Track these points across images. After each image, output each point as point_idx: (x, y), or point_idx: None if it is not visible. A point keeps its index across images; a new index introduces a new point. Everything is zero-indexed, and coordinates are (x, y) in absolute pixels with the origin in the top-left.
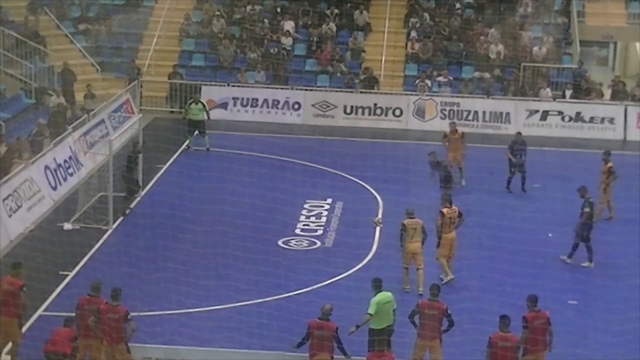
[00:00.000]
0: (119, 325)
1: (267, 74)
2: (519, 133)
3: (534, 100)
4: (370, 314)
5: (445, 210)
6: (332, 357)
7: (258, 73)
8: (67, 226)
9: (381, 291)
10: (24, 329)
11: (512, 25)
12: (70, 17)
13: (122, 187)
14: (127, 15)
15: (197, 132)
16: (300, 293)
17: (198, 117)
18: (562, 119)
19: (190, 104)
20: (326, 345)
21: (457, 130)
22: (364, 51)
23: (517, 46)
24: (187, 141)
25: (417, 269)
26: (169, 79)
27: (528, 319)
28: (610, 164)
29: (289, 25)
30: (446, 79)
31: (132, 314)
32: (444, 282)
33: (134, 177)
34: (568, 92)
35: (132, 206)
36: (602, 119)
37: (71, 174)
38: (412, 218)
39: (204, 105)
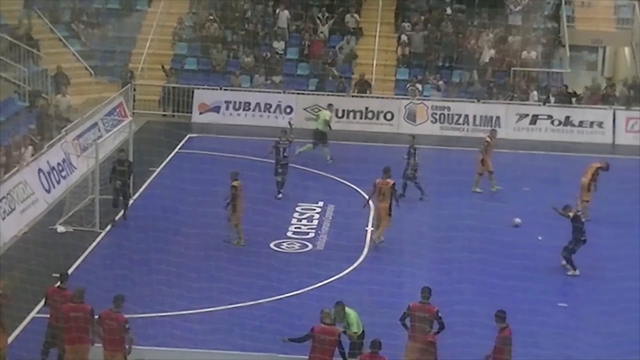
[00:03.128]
0: (117, 332)
1: (268, 78)
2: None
3: (524, 104)
4: (356, 332)
5: (378, 181)
6: None
7: (260, 77)
8: (61, 229)
9: (344, 307)
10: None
11: (502, 30)
12: (64, 21)
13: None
14: (120, 19)
15: (318, 142)
16: (292, 295)
17: (321, 126)
18: (552, 122)
19: (319, 113)
20: (328, 350)
21: (496, 136)
22: (356, 55)
23: (507, 50)
24: (304, 148)
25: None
26: (166, 76)
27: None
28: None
29: (283, 15)
30: (438, 83)
31: (125, 316)
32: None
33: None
34: (552, 97)
35: (116, 217)
36: (591, 123)
37: (64, 177)
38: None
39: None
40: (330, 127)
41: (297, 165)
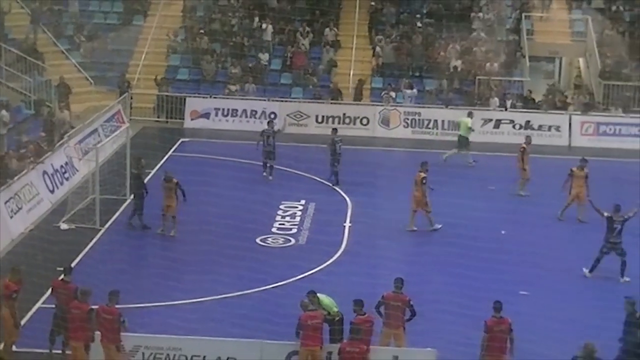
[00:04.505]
0: (112, 325)
1: (257, 87)
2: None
3: (488, 110)
4: (339, 311)
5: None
6: (321, 347)
7: (249, 85)
8: (64, 226)
9: (316, 294)
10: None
11: (468, 42)
12: (66, 35)
13: (114, 191)
14: (118, 33)
15: (461, 147)
16: (277, 286)
17: (464, 132)
18: (513, 127)
19: (460, 121)
20: (315, 337)
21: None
22: (335, 65)
23: (473, 61)
24: (450, 153)
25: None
26: (158, 86)
27: (489, 324)
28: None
29: (268, 29)
30: (411, 91)
31: (123, 306)
32: None
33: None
34: (508, 102)
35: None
36: (549, 127)
37: (67, 179)
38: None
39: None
40: (471, 132)
41: (281, 167)
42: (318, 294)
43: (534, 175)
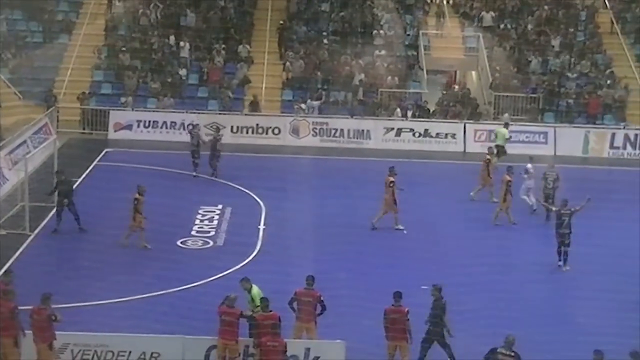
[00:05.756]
0: (42, 325)
1: (176, 100)
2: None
3: (390, 120)
4: (258, 305)
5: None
6: (236, 341)
7: (168, 99)
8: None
9: (249, 280)
10: None
11: (371, 57)
12: None
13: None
14: (44, 51)
15: (501, 154)
16: (196, 285)
17: (501, 142)
18: (413, 134)
19: (497, 132)
20: (231, 331)
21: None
22: (249, 81)
23: (375, 74)
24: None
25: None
26: (80, 101)
27: (387, 311)
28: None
29: (185, 46)
30: (318, 102)
31: (53, 306)
32: None
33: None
34: (409, 112)
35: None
36: (446, 135)
37: None
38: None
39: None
40: (507, 141)
41: (200, 175)
42: (252, 284)
43: (432, 178)
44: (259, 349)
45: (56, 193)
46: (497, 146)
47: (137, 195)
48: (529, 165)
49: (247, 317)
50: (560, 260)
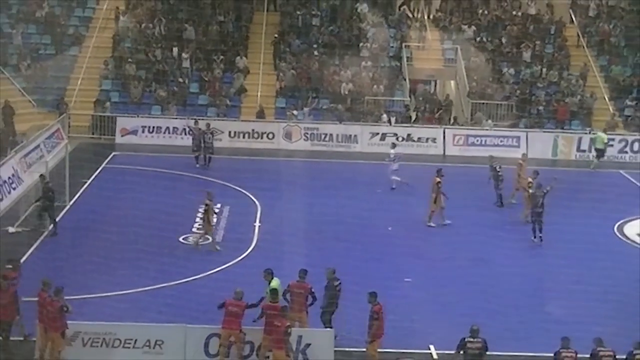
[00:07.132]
0: (55, 316)
1: (178, 107)
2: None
3: (375, 125)
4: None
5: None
6: (240, 330)
7: (172, 107)
8: (11, 229)
9: (272, 273)
10: None
11: (357, 67)
12: (11, 64)
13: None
14: (57, 62)
15: (600, 156)
16: (197, 278)
17: (601, 145)
18: (397, 139)
19: (595, 136)
20: (236, 321)
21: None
22: (245, 90)
23: (361, 84)
24: (594, 163)
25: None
26: (95, 105)
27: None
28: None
29: (187, 58)
30: (309, 109)
31: (65, 298)
32: None
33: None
34: (393, 119)
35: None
36: (427, 139)
37: (14, 189)
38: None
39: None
40: (607, 146)
41: (199, 176)
42: (274, 277)
43: (414, 179)
44: (265, 327)
45: (41, 197)
46: (596, 149)
47: (207, 201)
48: (392, 151)
49: (251, 306)
50: (534, 237)
